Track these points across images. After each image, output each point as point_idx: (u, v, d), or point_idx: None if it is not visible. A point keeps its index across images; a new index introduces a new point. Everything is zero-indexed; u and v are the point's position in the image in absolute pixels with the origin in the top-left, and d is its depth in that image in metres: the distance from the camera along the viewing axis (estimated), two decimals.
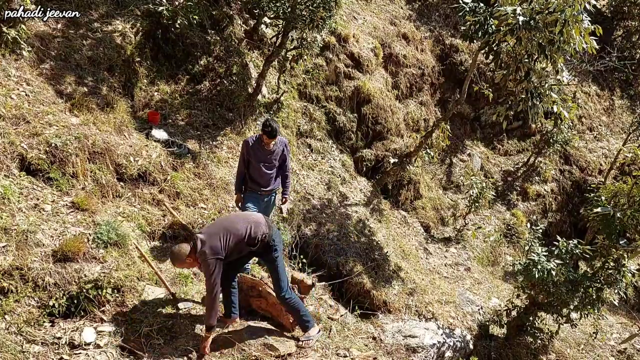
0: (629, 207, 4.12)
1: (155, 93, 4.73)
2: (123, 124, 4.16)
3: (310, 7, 4.75)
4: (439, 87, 7.51)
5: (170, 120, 4.66)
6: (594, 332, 4.69)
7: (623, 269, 4.17)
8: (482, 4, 4.68)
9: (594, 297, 4.18)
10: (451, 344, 4.36)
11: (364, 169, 6.10)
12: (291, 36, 5.15)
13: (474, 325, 4.85)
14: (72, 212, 3.31)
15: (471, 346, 4.57)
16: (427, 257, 5.67)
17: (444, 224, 6.40)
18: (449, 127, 5.88)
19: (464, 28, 4.94)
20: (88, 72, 4.27)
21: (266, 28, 5.85)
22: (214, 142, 4.72)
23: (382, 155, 6.17)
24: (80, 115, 3.90)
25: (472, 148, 7.49)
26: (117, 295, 3.07)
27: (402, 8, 8.01)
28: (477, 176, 6.84)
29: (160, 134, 4.35)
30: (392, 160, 5.96)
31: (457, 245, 6.15)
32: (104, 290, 3.00)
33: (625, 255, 4.16)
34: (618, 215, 4.04)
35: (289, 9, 4.77)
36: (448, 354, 4.31)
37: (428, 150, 5.81)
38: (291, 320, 3.25)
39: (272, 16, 5.23)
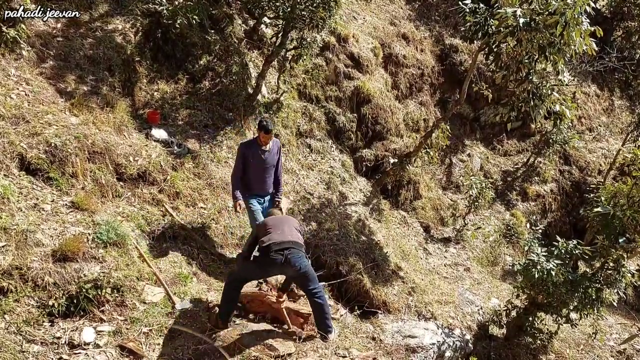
0: (628, 207, 4.11)
1: (155, 93, 4.74)
2: (123, 123, 4.16)
3: (310, 7, 4.76)
4: (438, 87, 7.51)
5: (170, 120, 4.66)
6: (593, 333, 4.68)
7: (622, 269, 4.16)
8: (482, 5, 4.67)
9: (594, 297, 4.16)
10: (451, 343, 4.36)
11: (364, 169, 6.10)
12: (291, 36, 5.15)
13: (473, 325, 4.85)
14: (71, 211, 3.31)
15: (471, 346, 4.57)
16: (426, 257, 5.68)
17: (443, 224, 6.40)
18: (448, 127, 5.89)
19: (464, 29, 4.95)
20: (88, 72, 4.27)
21: (266, 28, 5.85)
22: (213, 142, 4.73)
23: (381, 155, 6.17)
24: (80, 115, 3.90)
25: (471, 148, 7.50)
26: (116, 295, 3.07)
27: (401, 8, 8.02)
28: (477, 176, 6.84)
29: (159, 133, 4.35)
30: (391, 161, 5.96)
31: (456, 245, 6.15)
32: (104, 290, 3.00)
33: (625, 256, 4.14)
34: (618, 215, 4.04)
35: (289, 9, 4.77)
36: (448, 354, 4.30)
37: (428, 150, 5.81)
38: (301, 321, 3.25)
39: (271, 16, 5.24)
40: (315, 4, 4.75)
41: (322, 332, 3.08)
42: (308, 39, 5.25)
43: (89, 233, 3.23)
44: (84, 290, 2.93)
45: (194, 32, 5.09)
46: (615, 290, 4.23)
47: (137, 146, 4.04)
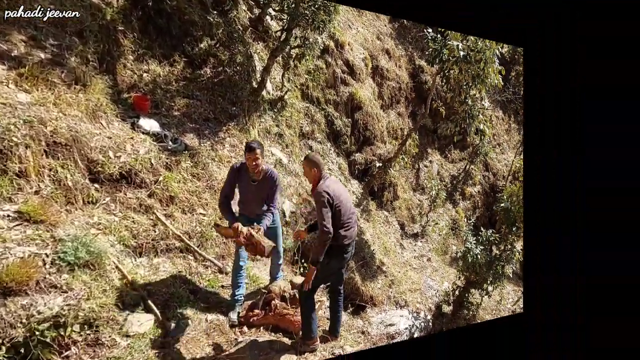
0: (517, 203, 4.17)
1: (145, 74, 2.96)
2: (99, 108, 2.44)
3: (313, 8, 3.37)
4: (411, 101, 6.57)
5: (163, 109, 2.96)
6: (499, 299, 4.72)
7: (514, 249, 4.25)
8: (439, 35, 4.19)
9: (501, 272, 4.23)
10: (418, 325, 3.83)
11: (356, 171, 5.03)
12: (295, 34, 3.65)
13: (432, 307, 4.38)
14: (17, 225, 1.77)
15: (431, 325, 4.09)
16: (402, 252, 5.00)
17: (414, 221, 5.78)
18: (417, 137, 5.22)
19: (428, 53, 4.52)
20: (47, 33, 2.39)
21: (271, 20, 4.17)
22: (215, 138, 3.15)
23: (370, 160, 5.14)
24: (34, 91, 2.14)
25: (432, 156, 6.91)
26: (88, 332, 1.74)
27: (385, 25, 6.68)
28: (435, 180, 6.38)
29: (150, 124, 2.70)
30: (377, 164, 5.01)
31: (422, 239, 5.62)
32: (69, 329, 1.67)
33: (515, 239, 4.26)
34: (511, 209, 4.15)
35: (293, 5, 3.31)
36: (416, 335, 3.75)
37: (403, 156, 5.12)
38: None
39: (277, 9, 3.65)
40: (317, 5, 3.37)
41: (332, 334, 2.35)
42: (310, 40, 3.82)
43: (45, 254, 1.77)
44: (37, 333, 1.57)
45: (194, 9, 3.28)
46: (511, 266, 4.33)
47: (120, 138, 2.41)
